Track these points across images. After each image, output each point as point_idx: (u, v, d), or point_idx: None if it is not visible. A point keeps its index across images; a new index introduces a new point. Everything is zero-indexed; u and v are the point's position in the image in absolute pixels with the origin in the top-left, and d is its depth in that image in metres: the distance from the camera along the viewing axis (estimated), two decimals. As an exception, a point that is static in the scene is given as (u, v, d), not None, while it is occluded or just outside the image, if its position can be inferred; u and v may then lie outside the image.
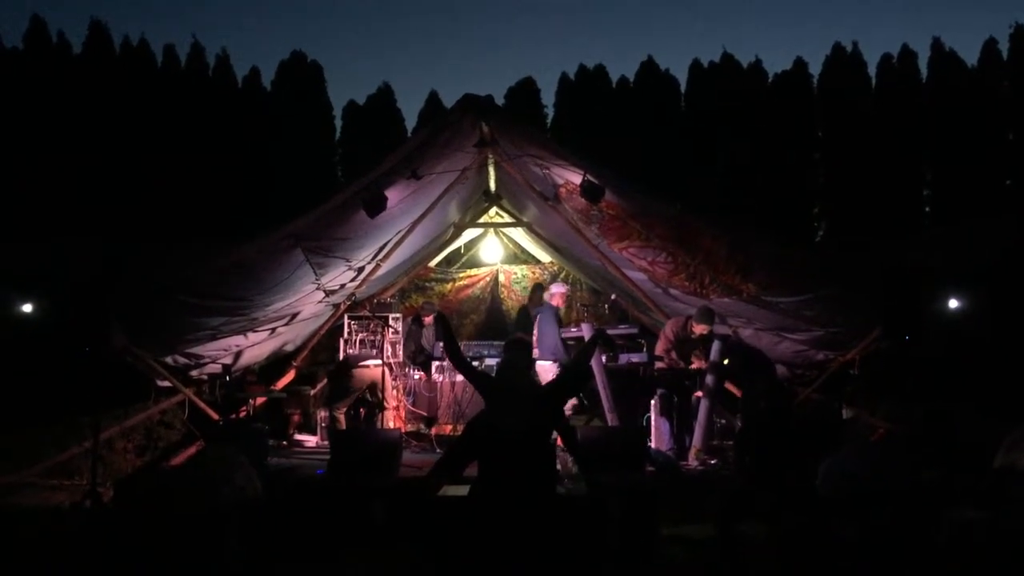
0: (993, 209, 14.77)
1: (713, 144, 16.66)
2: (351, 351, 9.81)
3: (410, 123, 17.18)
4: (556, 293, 9.98)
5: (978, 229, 12.40)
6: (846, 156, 16.96)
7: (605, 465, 6.78)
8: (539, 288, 11.50)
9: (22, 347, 9.04)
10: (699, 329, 8.36)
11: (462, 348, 10.72)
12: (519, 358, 4.85)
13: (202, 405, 9.15)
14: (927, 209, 17.34)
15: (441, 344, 10.86)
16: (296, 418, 10.10)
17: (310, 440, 9.73)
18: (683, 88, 17.93)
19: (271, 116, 16.20)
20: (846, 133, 17.04)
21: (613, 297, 10.92)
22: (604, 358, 9.10)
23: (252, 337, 9.29)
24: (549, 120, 17.79)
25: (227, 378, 9.68)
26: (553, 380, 6.51)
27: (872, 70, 17.68)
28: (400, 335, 10.08)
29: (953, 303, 8.69)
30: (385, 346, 9.47)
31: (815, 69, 17.80)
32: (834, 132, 17.37)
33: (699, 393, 8.38)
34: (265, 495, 6.41)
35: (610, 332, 9.28)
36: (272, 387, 9.89)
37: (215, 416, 9.07)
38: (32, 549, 5.80)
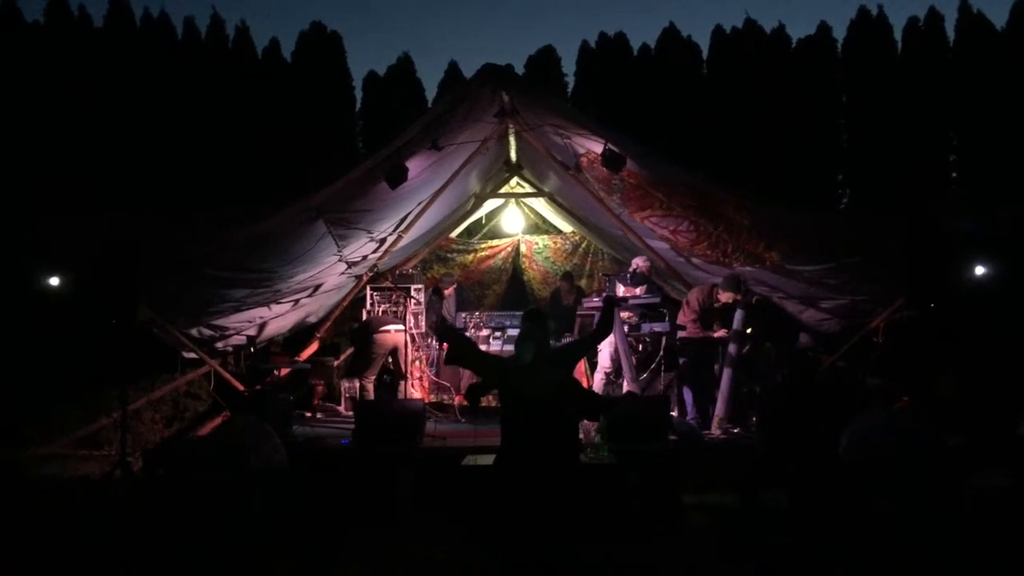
0: (1020, 174, 14.53)
1: (736, 111, 16.45)
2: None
3: (430, 94, 17.06)
4: (641, 265, 9.68)
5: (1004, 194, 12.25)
6: (871, 121, 16.71)
7: (628, 434, 6.83)
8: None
9: (50, 320, 9.16)
10: (725, 297, 8.32)
11: (484, 319, 10.87)
12: (537, 328, 4.84)
13: (227, 376, 9.26)
14: (953, 175, 17.08)
15: (463, 315, 10.94)
16: (320, 388, 10.21)
17: (338, 409, 9.84)
18: (705, 55, 17.70)
19: (291, 87, 16.14)
20: (871, 98, 16.78)
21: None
22: (626, 328, 9.10)
23: (276, 309, 9.37)
24: (569, 89, 17.59)
25: (252, 349, 9.79)
26: (567, 345, 6.54)
27: (898, 34, 17.37)
28: (422, 306, 10.10)
29: (980, 269, 8.56)
30: (407, 317, 9.50)
31: (839, 34, 17.50)
32: (859, 97, 17.10)
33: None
34: (290, 464, 6.50)
35: (632, 302, 9.25)
36: (296, 358, 9.97)
37: (240, 387, 9.17)
38: (64, 519, 5.92)
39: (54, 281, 7.77)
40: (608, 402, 7.60)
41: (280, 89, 15.99)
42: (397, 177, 7.70)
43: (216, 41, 16.71)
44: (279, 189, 10.50)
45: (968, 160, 16.87)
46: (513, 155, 10.83)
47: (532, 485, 4.46)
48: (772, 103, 16.31)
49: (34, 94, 14.20)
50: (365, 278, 10.27)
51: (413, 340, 9.56)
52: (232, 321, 8.97)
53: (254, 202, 9.51)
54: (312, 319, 10.85)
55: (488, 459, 5.76)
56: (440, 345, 9.76)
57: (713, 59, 17.61)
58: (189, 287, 7.98)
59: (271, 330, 9.93)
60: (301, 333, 10.84)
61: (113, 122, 14.49)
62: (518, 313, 10.06)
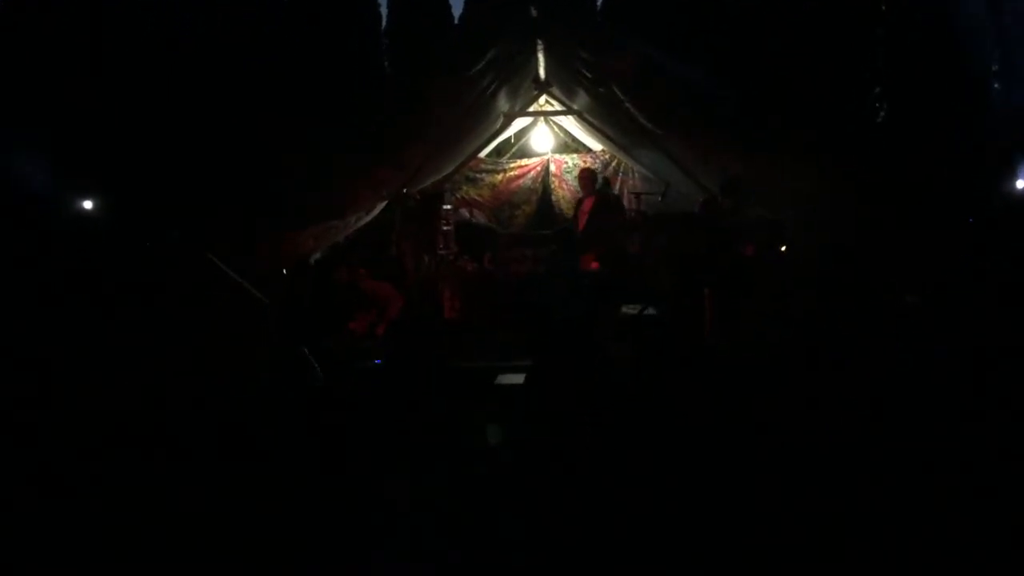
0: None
1: (770, 24, 16.00)
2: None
3: (456, 10, 16.75)
4: None
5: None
6: (909, 34, 16.21)
7: (659, 353, 6.85)
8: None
9: (85, 245, 9.24)
10: (725, 203, 8.27)
11: (513, 237, 10.86)
12: (568, 248, 4.84)
13: (259, 296, 9.32)
14: (995, 85, 16.59)
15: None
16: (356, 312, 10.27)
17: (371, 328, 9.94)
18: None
19: (316, 5, 15.88)
20: (909, 8, 16.25)
21: (667, 185, 10.77)
22: (656, 247, 9.07)
23: (306, 232, 9.39)
24: (599, 3, 17.18)
25: (283, 271, 9.84)
26: (602, 272, 6.54)
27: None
28: (452, 227, 10.08)
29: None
30: (437, 238, 9.50)
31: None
32: (897, 7, 16.57)
33: None
34: (326, 384, 6.62)
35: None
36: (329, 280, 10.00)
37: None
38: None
39: (87, 204, 7.81)
40: (637, 322, 7.61)
41: (306, 7, 15.73)
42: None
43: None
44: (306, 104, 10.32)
45: (1010, 73, 16.36)
46: (542, 72, 10.64)
47: (562, 404, 4.52)
48: (807, 13, 15.83)
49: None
50: (394, 199, 10.24)
51: (443, 260, 9.58)
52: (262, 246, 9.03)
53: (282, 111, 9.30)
54: (341, 239, 10.87)
55: (519, 378, 5.83)
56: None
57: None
58: (220, 210, 8.01)
59: (301, 253, 9.98)
60: (332, 256, 10.86)
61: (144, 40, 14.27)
62: (547, 233, 10.05)
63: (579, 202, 10.41)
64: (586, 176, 10.31)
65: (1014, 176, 8.32)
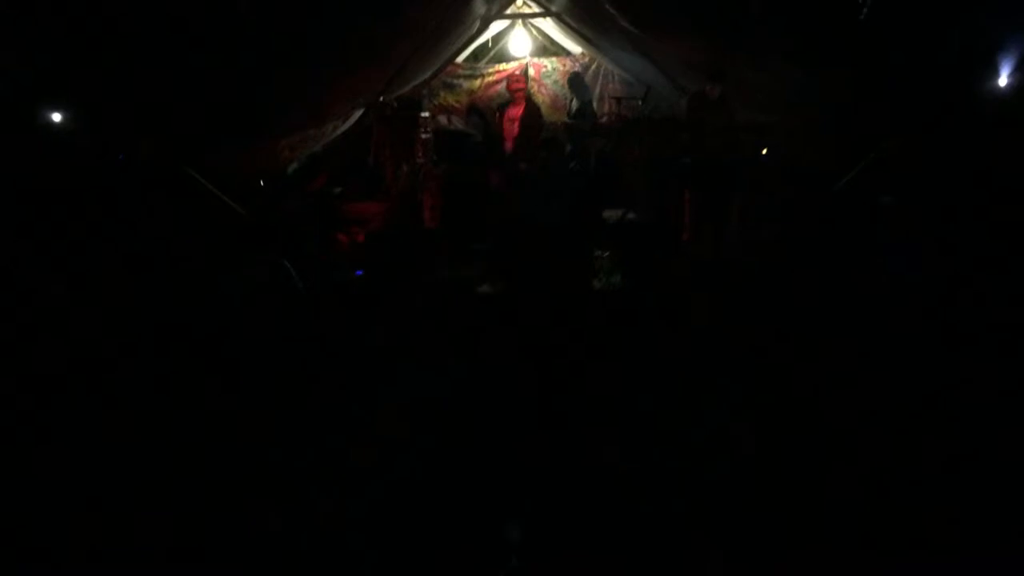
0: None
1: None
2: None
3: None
4: None
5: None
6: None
7: (639, 259, 6.86)
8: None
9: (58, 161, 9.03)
10: (713, 92, 8.21)
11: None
12: (550, 156, 4.79)
13: (237, 208, 9.23)
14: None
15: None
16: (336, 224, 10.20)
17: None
18: None
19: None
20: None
21: (648, 89, 10.62)
22: (636, 152, 9.00)
23: (282, 142, 9.23)
24: None
25: (260, 183, 9.71)
26: (587, 178, 6.49)
27: None
28: (431, 135, 9.92)
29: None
30: (416, 146, 9.37)
31: None
32: None
33: None
34: (306, 295, 6.62)
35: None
36: (304, 189, 9.90)
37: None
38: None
39: (56, 117, 7.55)
40: (619, 227, 7.61)
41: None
42: None
43: None
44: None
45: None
46: (519, -28, 10.37)
47: (545, 310, 4.54)
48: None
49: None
50: (371, 107, 10.05)
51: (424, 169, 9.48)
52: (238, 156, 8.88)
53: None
54: (317, 149, 10.70)
55: (501, 287, 5.84)
56: None
57: None
58: (196, 120, 7.81)
59: (279, 162, 9.84)
60: (310, 166, 10.72)
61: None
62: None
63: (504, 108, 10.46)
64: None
65: (997, 73, 8.19)
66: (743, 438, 4.08)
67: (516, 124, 9.90)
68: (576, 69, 12.24)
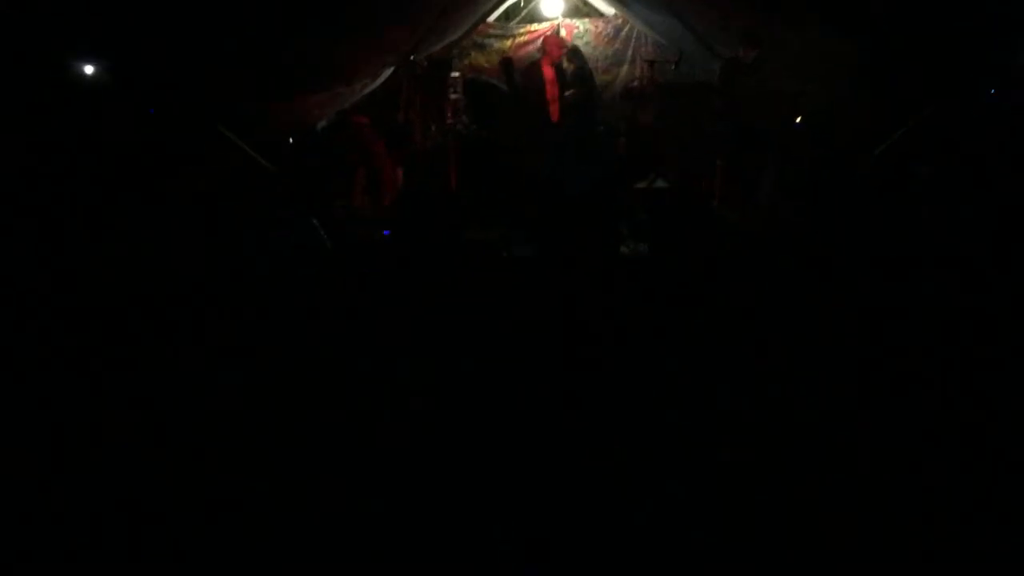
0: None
1: None
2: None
3: None
4: None
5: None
6: None
7: (669, 226, 6.81)
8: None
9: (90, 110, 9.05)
10: (747, 56, 8.09)
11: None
12: (585, 117, 4.73)
13: (267, 164, 9.23)
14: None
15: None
16: (360, 179, 10.19)
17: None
18: None
19: None
20: None
21: (680, 53, 10.46)
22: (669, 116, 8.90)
23: (311, 100, 9.20)
24: None
25: (289, 140, 9.71)
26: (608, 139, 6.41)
27: None
28: (460, 95, 9.83)
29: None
30: (446, 108, 9.31)
31: None
32: None
33: None
34: (335, 255, 6.62)
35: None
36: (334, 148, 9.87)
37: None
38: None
39: (88, 69, 7.55)
40: (647, 193, 7.55)
41: None
42: None
43: None
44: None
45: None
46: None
47: (571, 275, 4.52)
48: None
49: None
50: (400, 67, 9.98)
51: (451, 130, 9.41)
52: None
53: None
54: (347, 106, 10.66)
55: (531, 250, 5.82)
56: None
57: None
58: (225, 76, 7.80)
59: (307, 121, 9.81)
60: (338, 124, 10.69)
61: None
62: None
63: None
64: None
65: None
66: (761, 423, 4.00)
67: (554, 85, 9.74)
68: (607, 31, 12.07)
